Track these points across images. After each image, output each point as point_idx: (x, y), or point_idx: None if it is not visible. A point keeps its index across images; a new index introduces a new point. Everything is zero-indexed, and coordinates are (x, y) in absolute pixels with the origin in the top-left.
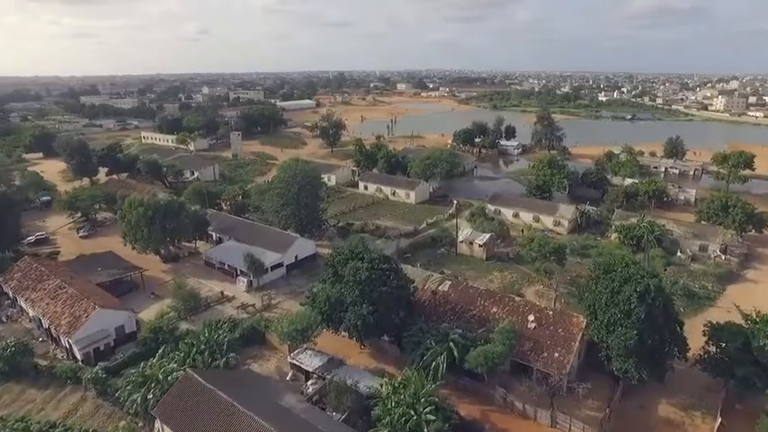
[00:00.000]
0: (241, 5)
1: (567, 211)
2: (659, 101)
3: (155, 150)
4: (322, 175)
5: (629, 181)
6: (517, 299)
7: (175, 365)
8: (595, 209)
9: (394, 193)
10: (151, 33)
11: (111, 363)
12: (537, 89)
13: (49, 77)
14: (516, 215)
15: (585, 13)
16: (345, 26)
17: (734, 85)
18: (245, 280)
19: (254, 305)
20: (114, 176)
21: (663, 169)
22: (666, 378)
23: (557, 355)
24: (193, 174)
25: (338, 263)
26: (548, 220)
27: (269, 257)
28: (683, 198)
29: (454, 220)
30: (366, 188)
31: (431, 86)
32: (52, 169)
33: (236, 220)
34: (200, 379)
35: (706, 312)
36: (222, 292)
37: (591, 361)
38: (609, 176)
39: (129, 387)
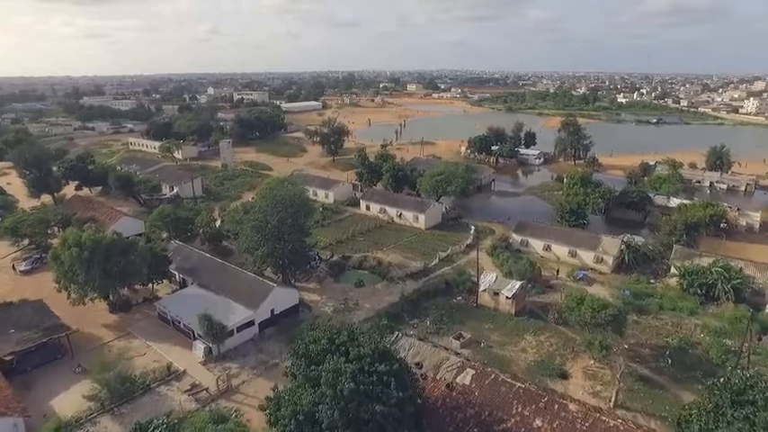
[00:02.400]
0: (251, 6)
1: (611, 246)
2: (683, 103)
3: (137, 159)
4: (318, 191)
5: (675, 201)
6: (572, 407)
7: None
8: (643, 240)
9: (400, 216)
10: (163, 34)
11: None
12: (552, 90)
13: (61, 77)
14: (548, 248)
15: (597, 13)
16: (355, 26)
17: (759, 86)
18: (203, 346)
19: (207, 388)
20: (87, 191)
21: (707, 184)
22: None
23: None
24: (172, 189)
25: (313, 354)
26: (587, 256)
27: (236, 314)
28: (744, 224)
29: (472, 254)
30: (368, 208)
31: (442, 87)
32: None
33: (204, 257)
34: None
35: None
36: (169, 366)
37: None
38: (651, 194)
39: None
